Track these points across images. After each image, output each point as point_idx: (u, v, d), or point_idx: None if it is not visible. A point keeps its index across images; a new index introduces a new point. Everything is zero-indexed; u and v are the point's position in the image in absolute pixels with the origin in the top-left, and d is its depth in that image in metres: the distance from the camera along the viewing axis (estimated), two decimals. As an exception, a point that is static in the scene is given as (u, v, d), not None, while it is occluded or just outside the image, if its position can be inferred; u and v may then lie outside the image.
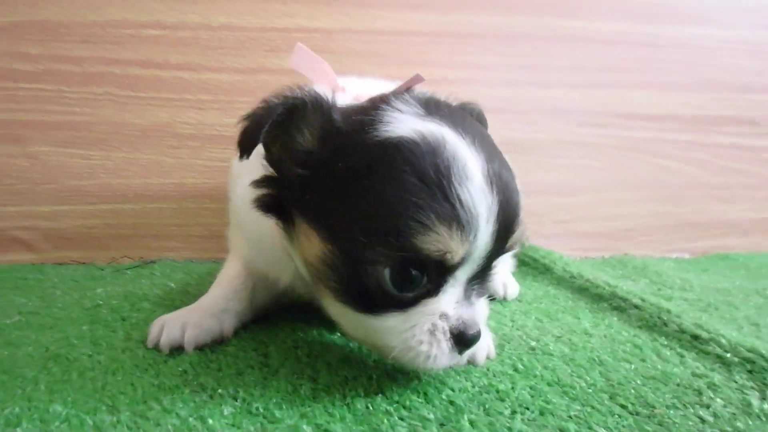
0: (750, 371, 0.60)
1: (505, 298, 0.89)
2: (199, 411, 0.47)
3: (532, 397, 0.53)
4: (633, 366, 0.62)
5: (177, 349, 0.60)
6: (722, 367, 0.62)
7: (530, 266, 1.10)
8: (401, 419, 0.48)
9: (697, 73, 1.32)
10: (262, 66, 1.12)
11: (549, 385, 0.56)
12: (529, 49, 1.23)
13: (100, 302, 0.79)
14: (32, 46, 1.04)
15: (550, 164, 1.27)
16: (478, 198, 0.49)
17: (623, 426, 0.49)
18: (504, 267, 0.95)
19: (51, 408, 0.47)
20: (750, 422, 0.50)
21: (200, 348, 0.62)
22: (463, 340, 0.51)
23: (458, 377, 0.57)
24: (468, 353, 0.56)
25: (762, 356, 0.60)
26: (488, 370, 0.60)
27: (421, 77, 0.62)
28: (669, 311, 0.76)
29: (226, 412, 0.47)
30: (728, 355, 0.63)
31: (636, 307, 0.80)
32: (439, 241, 0.47)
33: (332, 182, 0.51)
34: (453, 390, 0.54)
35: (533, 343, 0.68)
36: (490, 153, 0.54)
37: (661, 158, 1.32)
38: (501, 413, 0.50)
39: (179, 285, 0.89)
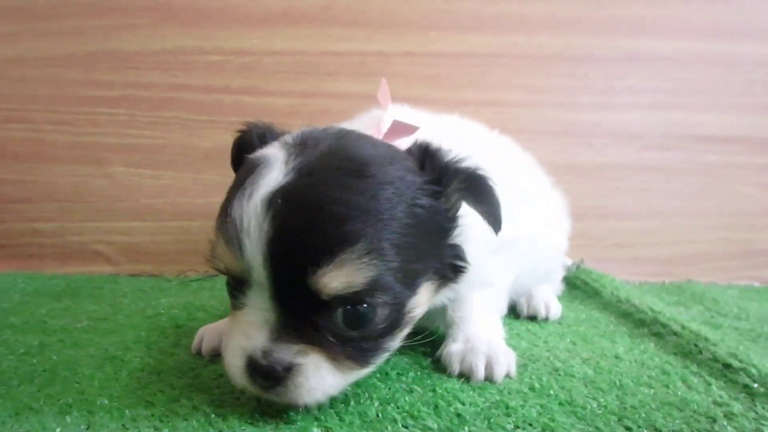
0: (775, 402, 0.60)
1: (546, 319, 0.92)
2: (224, 410, 0.54)
3: (538, 414, 0.56)
4: (653, 391, 0.63)
5: (217, 355, 0.68)
6: (747, 397, 0.62)
7: (580, 289, 1.11)
8: (405, 427, 0.53)
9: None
10: (319, 90, 1.21)
11: (560, 404, 0.59)
12: (591, 70, 1.24)
13: (162, 311, 0.89)
14: (107, 73, 1.18)
15: (610, 188, 1.27)
16: (248, 212, 0.50)
17: (622, 448, 0.51)
18: (547, 288, 0.98)
19: (99, 401, 0.55)
20: (756, 452, 0.51)
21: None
22: (253, 366, 0.50)
23: (472, 392, 0.61)
24: (482, 370, 0.63)
25: (790, 388, 0.60)
26: (504, 387, 0.63)
27: (410, 127, 0.67)
28: (707, 339, 0.76)
29: (246, 412, 0.54)
30: (755, 385, 0.63)
31: (675, 333, 0.81)
32: (217, 248, 0.53)
33: None
34: (463, 403, 0.58)
35: (558, 365, 0.71)
36: (307, 176, 0.52)
37: (730, 183, 1.29)
38: (503, 427, 0.54)
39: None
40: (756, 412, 0.58)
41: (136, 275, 1.18)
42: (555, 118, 1.25)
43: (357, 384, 0.62)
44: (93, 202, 1.20)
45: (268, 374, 0.50)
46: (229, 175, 1.17)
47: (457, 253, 0.62)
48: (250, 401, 0.56)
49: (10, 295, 0.97)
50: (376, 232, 0.51)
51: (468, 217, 0.63)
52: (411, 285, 0.55)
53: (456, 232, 0.61)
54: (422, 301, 0.59)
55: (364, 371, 0.56)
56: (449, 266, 0.62)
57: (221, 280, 1.10)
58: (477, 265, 0.66)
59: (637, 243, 1.29)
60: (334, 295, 0.50)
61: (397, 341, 0.58)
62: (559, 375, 0.68)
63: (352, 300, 0.51)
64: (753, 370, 0.66)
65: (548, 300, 0.94)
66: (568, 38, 1.23)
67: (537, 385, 0.64)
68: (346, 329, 0.52)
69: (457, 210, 0.62)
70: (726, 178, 1.29)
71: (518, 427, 0.54)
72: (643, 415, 0.57)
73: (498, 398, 0.60)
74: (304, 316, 0.51)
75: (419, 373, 0.67)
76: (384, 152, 0.58)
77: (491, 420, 0.55)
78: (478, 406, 0.58)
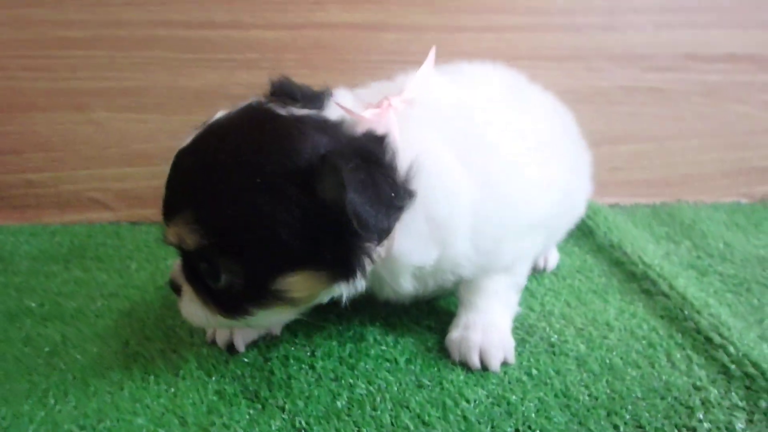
0: (747, 388, 0.67)
1: (545, 269, 0.96)
2: (253, 426, 0.60)
3: (537, 412, 0.63)
4: (640, 373, 0.70)
5: (234, 352, 0.73)
6: (724, 378, 0.69)
7: (576, 226, 1.15)
8: (418, 436, 0.60)
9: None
10: (308, 21, 1.15)
11: (556, 396, 0.66)
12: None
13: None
14: (78, 12, 1.10)
15: (610, 112, 1.26)
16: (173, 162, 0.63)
17: (611, 450, 0.58)
18: None
19: (134, 420, 0.60)
20: (727, 451, 0.58)
21: (255, 344, 0.74)
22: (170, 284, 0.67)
23: (475, 386, 0.67)
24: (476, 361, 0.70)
25: (763, 375, 0.67)
26: (505, 375, 0.70)
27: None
28: (692, 305, 0.82)
29: (273, 427, 0.60)
30: (733, 366, 0.70)
31: (663, 294, 0.87)
32: None
33: None
34: (468, 402, 0.65)
35: (554, 339, 0.77)
36: (199, 140, 0.62)
37: (733, 103, 1.28)
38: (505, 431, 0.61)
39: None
40: (730, 400, 0.65)
41: (136, 222, 1.20)
42: (557, 43, 1.21)
43: (369, 380, 0.68)
44: (81, 149, 1.18)
45: (176, 290, 0.67)
46: (221, 117, 1.18)
47: (350, 254, 0.59)
48: (276, 412, 0.62)
49: (17, 261, 1.00)
50: (213, 206, 0.58)
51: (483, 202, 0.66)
52: (267, 266, 0.59)
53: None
54: (298, 287, 0.61)
55: (235, 322, 0.64)
56: (340, 263, 0.60)
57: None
58: (490, 251, 0.69)
59: (632, 166, 1.32)
60: (182, 246, 0.61)
61: (269, 311, 0.63)
62: (554, 354, 0.74)
63: (199, 256, 0.61)
64: (731, 348, 0.73)
65: (547, 252, 0.97)
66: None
67: (534, 372, 0.70)
68: (207, 279, 0.62)
69: (342, 206, 0.54)
70: (727, 98, 1.28)
71: (518, 430, 0.61)
72: (630, 407, 0.64)
73: (499, 392, 0.67)
74: (186, 259, 0.65)
75: (426, 359, 0.73)
76: (271, 138, 0.59)
77: (494, 422, 0.62)
78: (482, 403, 0.65)
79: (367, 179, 0.55)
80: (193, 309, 0.65)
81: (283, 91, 0.68)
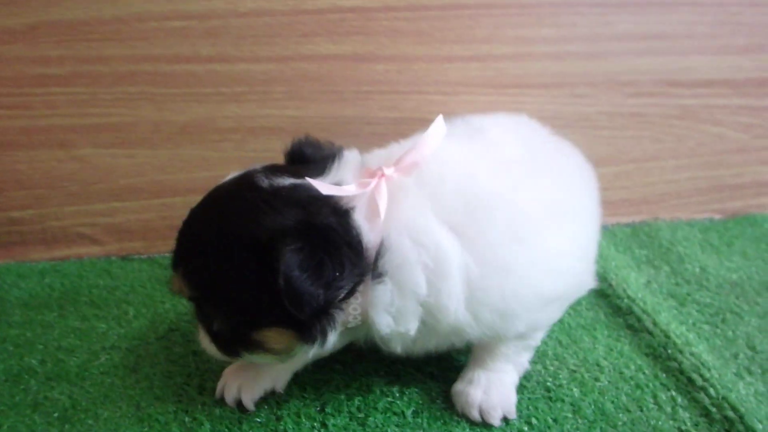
0: (727, 431, 0.74)
1: None
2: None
3: (539, 467, 0.69)
4: (630, 417, 0.77)
5: (246, 410, 0.77)
6: (706, 422, 0.76)
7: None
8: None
9: (761, 33, 1.29)
10: (295, 53, 1.16)
11: (554, 447, 0.72)
12: (579, 19, 1.22)
13: (173, 326, 0.96)
14: (54, 48, 1.09)
15: (595, 137, 1.32)
16: None
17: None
18: None
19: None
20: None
21: (267, 403, 0.79)
22: None
23: (477, 438, 0.73)
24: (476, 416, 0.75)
25: (741, 419, 0.75)
26: (507, 425, 0.76)
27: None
28: (675, 344, 0.89)
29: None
30: (714, 409, 0.77)
31: (648, 331, 0.94)
32: None
33: None
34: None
35: (549, 383, 0.83)
36: (205, 208, 0.72)
37: (708, 125, 1.35)
38: (511, 489, 0.66)
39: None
40: (713, 445, 0.73)
41: (126, 256, 1.21)
42: (543, 71, 1.25)
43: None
44: (66, 186, 1.18)
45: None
46: (212, 149, 1.20)
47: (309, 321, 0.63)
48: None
49: (9, 309, 1.01)
50: (197, 266, 0.67)
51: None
52: (244, 320, 0.67)
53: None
54: (274, 340, 0.66)
55: (231, 359, 0.75)
56: (301, 327, 0.64)
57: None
58: (496, 323, 0.69)
59: (613, 186, 1.38)
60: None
61: (258, 356, 0.70)
62: (551, 400, 0.80)
63: (195, 304, 0.72)
64: (711, 391, 0.80)
65: None
66: (556, -16, 1.19)
67: (534, 420, 0.77)
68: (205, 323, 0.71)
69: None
70: (703, 120, 1.35)
71: (524, 487, 0.67)
72: (623, 457, 0.71)
73: (502, 445, 0.73)
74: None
75: (432, 411, 0.78)
76: (242, 210, 0.66)
77: (501, 480, 0.67)
78: (484, 457, 0.71)
79: (307, 259, 0.59)
80: (206, 343, 0.73)
81: (295, 156, 0.75)
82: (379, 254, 0.64)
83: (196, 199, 1.24)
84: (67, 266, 1.16)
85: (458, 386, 0.79)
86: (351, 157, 0.72)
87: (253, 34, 1.14)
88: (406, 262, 0.64)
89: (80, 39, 1.10)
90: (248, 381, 0.77)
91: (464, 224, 0.66)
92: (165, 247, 1.23)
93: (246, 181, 0.69)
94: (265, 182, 0.66)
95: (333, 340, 0.67)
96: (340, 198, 0.64)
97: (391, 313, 0.66)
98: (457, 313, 0.67)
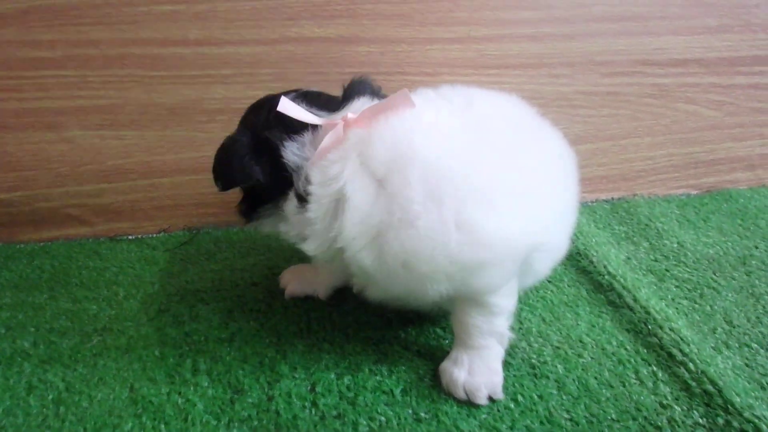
0: (707, 404, 0.73)
1: None
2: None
3: (525, 442, 0.68)
4: (613, 393, 0.75)
5: (239, 389, 0.74)
6: (686, 396, 0.75)
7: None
8: (423, 480, 0.63)
9: (732, 14, 1.27)
10: (282, 36, 1.12)
11: (541, 423, 0.70)
12: (556, 1, 1.19)
13: (162, 307, 0.92)
14: (45, 32, 1.05)
15: (572, 116, 1.30)
16: None
17: (594, 479, 0.63)
18: None
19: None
20: (694, 474, 0.64)
21: (259, 384, 0.76)
22: None
23: (469, 417, 0.71)
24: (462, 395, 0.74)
25: (719, 392, 0.73)
26: (493, 403, 0.74)
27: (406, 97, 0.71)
28: (655, 319, 0.88)
29: None
30: (693, 384, 0.76)
31: (629, 307, 0.92)
32: None
33: None
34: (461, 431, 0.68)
35: (534, 360, 0.81)
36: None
37: (682, 102, 1.33)
38: (500, 465, 0.65)
39: (226, 272, 1.02)
40: (692, 418, 0.71)
41: (114, 237, 1.17)
42: (522, 52, 1.22)
43: (369, 417, 0.71)
44: (55, 167, 1.13)
45: None
46: (199, 130, 1.15)
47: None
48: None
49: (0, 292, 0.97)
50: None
51: None
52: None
53: None
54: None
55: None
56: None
57: (203, 242, 1.14)
58: (395, 271, 0.68)
59: (590, 164, 1.36)
60: None
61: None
62: (536, 377, 0.78)
63: None
64: (691, 365, 0.78)
65: None
66: (535, -33, 1.15)
67: (520, 397, 0.75)
68: None
69: None
70: (677, 99, 1.33)
71: (511, 464, 0.65)
72: (606, 431, 0.69)
73: (491, 422, 0.71)
74: None
75: (420, 390, 0.76)
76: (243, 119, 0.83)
77: (489, 456, 0.66)
78: (475, 434, 0.69)
79: (237, 150, 0.75)
80: None
81: (346, 90, 0.80)
82: (301, 177, 0.71)
83: (183, 179, 1.22)
84: (56, 247, 1.12)
85: (445, 364, 0.77)
86: (361, 103, 0.76)
87: (241, 18, 1.09)
88: (314, 190, 0.70)
89: (71, 23, 1.05)
90: (294, 279, 0.94)
91: (386, 177, 0.68)
92: (152, 227, 1.20)
93: (269, 101, 0.79)
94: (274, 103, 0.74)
95: (285, 232, 0.77)
96: (307, 124, 0.73)
97: (296, 227, 0.75)
98: (361, 253, 0.69)
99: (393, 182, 0.67)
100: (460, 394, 0.74)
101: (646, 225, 1.23)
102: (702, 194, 1.40)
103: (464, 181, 0.67)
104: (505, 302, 0.76)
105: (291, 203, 0.74)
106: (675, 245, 1.14)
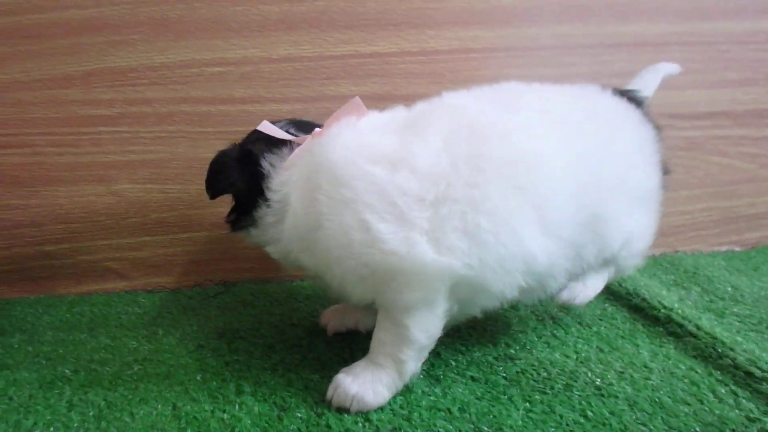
0: (800, 417, 0.66)
1: (573, 300, 0.83)
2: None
3: (604, 452, 0.61)
4: (692, 409, 0.69)
5: (285, 407, 0.70)
6: (775, 410, 0.68)
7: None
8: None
9: (752, 68, 1.32)
10: (321, 94, 1.18)
11: (617, 436, 0.64)
12: (582, 58, 1.25)
13: (201, 343, 0.89)
14: (105, 92, 1.12)
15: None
16: None
17: (687, 485, 0.56)
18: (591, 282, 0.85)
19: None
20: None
21: (307, 403, 0.72)
22: None
23: (536, 429, 0.65)
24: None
25: (812, 403, 0.67)
26: (561, 418, 0.68)
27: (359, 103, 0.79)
28: (723, 343, 0.82)
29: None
30: (781, 398, 0.69)
31: (692, 335, 0.87)
32: None
33: None
34: (532, 445, 0.62)
35: (598, 382, 0.76)
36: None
37: (713, 155, 1.35)
38: (578, 473, 0.58)
39: (264, 315, 1.00)
40: (787, 429, 0.64)
41: (152, 290, 1.16)
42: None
43: (428, 429, 0.65)
44: (101, 220, 1.16)
45: None
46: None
47: None
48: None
49: (41, 332, 0.95)
50: None
51: None
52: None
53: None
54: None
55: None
56: None
57: (240, 292, 1.13)
58: (323, 269, 0.74)
59: (628, 220, 1.34)
60: None
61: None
62: (604, 396, 0.72)
63: None
64: (775, 381, 0.72)
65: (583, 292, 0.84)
66: (555, 28, 1.23)
67: (590, 413, 0.69)
68: None
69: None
70: (709, 151, 1.35)
71: (591, 471, 0.58)
72: (693, 442, 0.63)
73: (561, 434, 0.64)
74: None
75: (479, 407, 0.70)
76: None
77: (565, 464, 0.59)
78: (547, 446, 0.62)
79: (225, 164, 0.82)
80: None
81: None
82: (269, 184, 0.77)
83: (219, 233, 1.24)
84: (95, 298, 1.11)
85: (339, 373, 0.73)
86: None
87: (283, 78, 1.17)
88: (271, 196, 0.76)
89: (129, 83, 1.12)
90: (335, 317, 0.91)
91: (313, 182, 0.72)
92: (188, 281, 1.19)
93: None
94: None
95: (255, 237, 0.81)
96: (287, 141, 0.79)
97: (262, 232, 0.80)
98: (301, 254, 0.75)
99: (314, 187, 0.71)
100: (330, 395, 0.70)
101: (694, 273, 1.19)
102: (747, 250, 1.37)
103: (368, 187, 0.67)
104: (419, 333, 0.69)
105: (260, 209, 0.78)
106: (729, 289, 1.10)
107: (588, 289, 0.84)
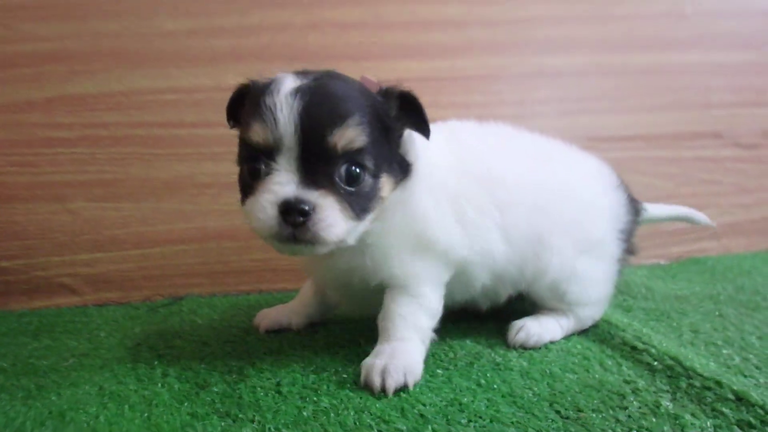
0: (669, 376, 0.73)
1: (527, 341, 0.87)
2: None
3: (486, 407, 0.67)
4: (577, 376, 0.75)
5: (204, 385, 0.75)
6: (649, 373, 0.75)
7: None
8: (380, 431, 0.62)
9: (663, 96, 1.44)
10: (267, 119, 1.27)
11: (503, 396, 0.70)
12: (504, 87, 1.36)
13: (139, 342, 0.94)
14: (66, 116, 1.20)
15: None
16: (277, 100, 0.69)
17: (553, 428, 0.62)
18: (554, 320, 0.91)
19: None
20: (655, 420, 0.63)
21: (226, 381, 0.76)
22: (286, 209, 0.67)
23: (430, 393, 0.71)
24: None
25: (680, 363, 0.74)
26: (455, 385, 0.73)
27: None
28: (617, 326, 0.89)
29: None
30: (655, 363, 0.76)
31: (593, 325, 0.93)
32: (251, 131, 0.70)
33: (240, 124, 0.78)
34: (424, 405, 0.68)
35: (498, 360, 0.82)
36: (318, 80, 0.72)
37: (634, 175, 1.43)
38: (459, 422, 0.64)
39: (205, 320, 1.04)
40: (656, 386, 0.71)
41: (102, 305, 1.21)
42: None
43: (332, 396, 0.71)
44: (56, 237, 1.21)
45: (301, 212, 0.67)
46: (190, 202, 1.25)
47: (402, 158, 0.78)
48: (246, 423, 0.64)
49: (-15, 337, 0.99)
50: (363, 113, 0.71)
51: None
52: (380, 166, 0.73)
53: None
54: (386, 188, 0.75)
55: (358, 224, 0.73)
56: (399, 166, 0.77)
57: (187, 304, 1.18)
58: (393, 265, 0.78)
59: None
60: (343, 151, 0.69)
61: (372, 212, 0.74)
62: (501, 370, 0.78)
63: (351, 157, 0.70)
64: (653, 350, 0.79)
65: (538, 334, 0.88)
66: (484, 60, 1.34)
67: (483, 381, 0.75)
68: (345, 184, 0.71)
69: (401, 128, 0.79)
70: (629, 171, 1.43)
71: (471, 421, 0.64)
72: (569, 398, 0.69)
73: (453, 396, 0.70)
74: (321, 170, 0.70)
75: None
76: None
77: (449, 417, 0.65)
78: (437, 405, 0.68)
79: None
80: (336, 216, 0.70)
81: None
82: None
83: (173, 249, 1.29)
84: (46, 311, 1.16)
85: (366, 360, 0.76)
86: None
87: (233, 103, 1.25)
88: None
89: (88, 108, 1.20)
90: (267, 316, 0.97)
91: None
92: (139, 296, 1.24)
93: (331, 74, 0.80)
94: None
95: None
96: None
97: None
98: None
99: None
100: (376, 380, 0.71)
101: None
102: (671, 263, 1.45)
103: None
104: (433, 299, 0.81)
105: None
106: (643, 290, 1.18)
107: (543, 332, 0.88)
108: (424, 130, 0.77)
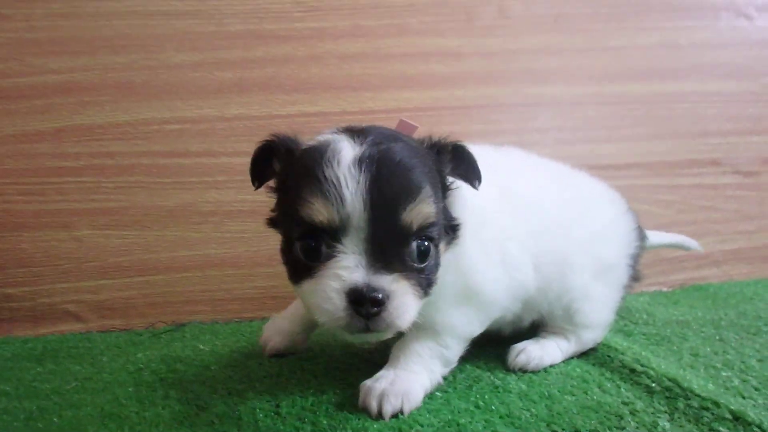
0: (667, 397, 0.73)
1: (527, 365, 0.87)
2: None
3: (483, 428, 0.67)
4: (575, 398, 0.75)
5: (204, 407, 0.76)
6: (647, 394, 0.75)
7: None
8: (377, 451, 0.62)
9: (660, 124, 1.46)
10: (271, 149, 1.30)
11: (500, 417, 0.70)
12: (503, 116, 1.39)
13: (142, 366, 0.95)
14: (73, 146, 1.23)
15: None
16: (340, 173, 0.62)
17: (550, 448, 0.62)
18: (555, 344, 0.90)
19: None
20: (652, 440, 0.63)
21: (226, 403, 0.77)
22: (357, 298, 0.61)
23: (428, 415, 0.71)
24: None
25: (678, 385, 0.74)
26: (454, 408, 0.74)
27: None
28: (616, 349, 0.90)
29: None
30: (654, 384, 0.76)
31: (593, 348, 0.94)
32: (311, 208, 0.62)
33: (281, 191, 0.72)
34: (422, 425, 0.68)
35: (498, 382, 0.82)
36: (380, 146, 0.65)
37: (633, 203, 1.42)
38: (456, 443, 0.64)
39: (207, 346, 1.05)
40: (654, 407, 0.71)
41: (106, 331, 1.22)
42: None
43: (330, 417, 0.71)
44: (61, 264, 1.23)
45: (374, 301, 0.61)
46: (193, 230, 1.27)
47: (449, 214, 0.73)
48: (244, 442, 0.64)
49: (-10, 362, 1.00)
50: (430, 181, 0.67)
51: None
52: (440, 233, 0.69)
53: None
54: (442, 251, 0.71)
55: (423, 301, 0.68)
56: (450, 226, 0.73)
57: (189, 330, 1.19)
58: (432, 312, 0.74)
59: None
60: (417, 228, 0.64)
61: (436, 283, 0.70)
62: (499, 392, 0.79)
63: (422, 234, 0.65)
64: (652, 372, 0.80)
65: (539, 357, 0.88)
66: (482, 90, 1.37)
67: (481, 403, 0.75)
68: (416, 262, 0.65)
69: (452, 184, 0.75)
70: (628, 200, 1.45)
71: (468, 441, 0.64)
72: (567, 419, 0.69)
73: (450, 417, 0.71)
74: (392, 251, 0.63)
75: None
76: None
77: (446, 437, 0.65)
78: (434, 426, 0.68)
79: None
80: (409, 302, 0.64)
81: None
82: None
83: (176, 276, 1.31)
84: (50, 337, 1.17)
85: (366, 381, 0.75)
86: None
87: (235, 134, 1.29)
88: None
89: (95, 138, 1.24)
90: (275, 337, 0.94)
91: None
92: (143, 323, 1.25)
93: (388, 132, 0.75)
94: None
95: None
96: None
97: None
98: None
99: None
100: (373, 404, 0.70)
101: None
102: (674, 289, 1.45)
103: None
104: (456, 352, 0.81)
105: None
106: (644, 316, 1.18)
107: (544, 355, 0.87)
108: (474, 182, 0.73)
